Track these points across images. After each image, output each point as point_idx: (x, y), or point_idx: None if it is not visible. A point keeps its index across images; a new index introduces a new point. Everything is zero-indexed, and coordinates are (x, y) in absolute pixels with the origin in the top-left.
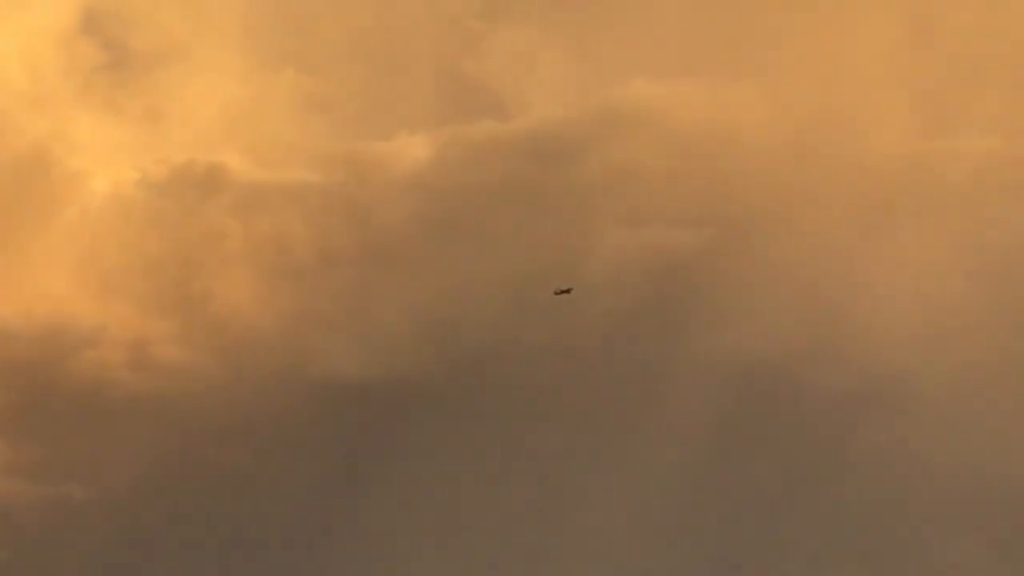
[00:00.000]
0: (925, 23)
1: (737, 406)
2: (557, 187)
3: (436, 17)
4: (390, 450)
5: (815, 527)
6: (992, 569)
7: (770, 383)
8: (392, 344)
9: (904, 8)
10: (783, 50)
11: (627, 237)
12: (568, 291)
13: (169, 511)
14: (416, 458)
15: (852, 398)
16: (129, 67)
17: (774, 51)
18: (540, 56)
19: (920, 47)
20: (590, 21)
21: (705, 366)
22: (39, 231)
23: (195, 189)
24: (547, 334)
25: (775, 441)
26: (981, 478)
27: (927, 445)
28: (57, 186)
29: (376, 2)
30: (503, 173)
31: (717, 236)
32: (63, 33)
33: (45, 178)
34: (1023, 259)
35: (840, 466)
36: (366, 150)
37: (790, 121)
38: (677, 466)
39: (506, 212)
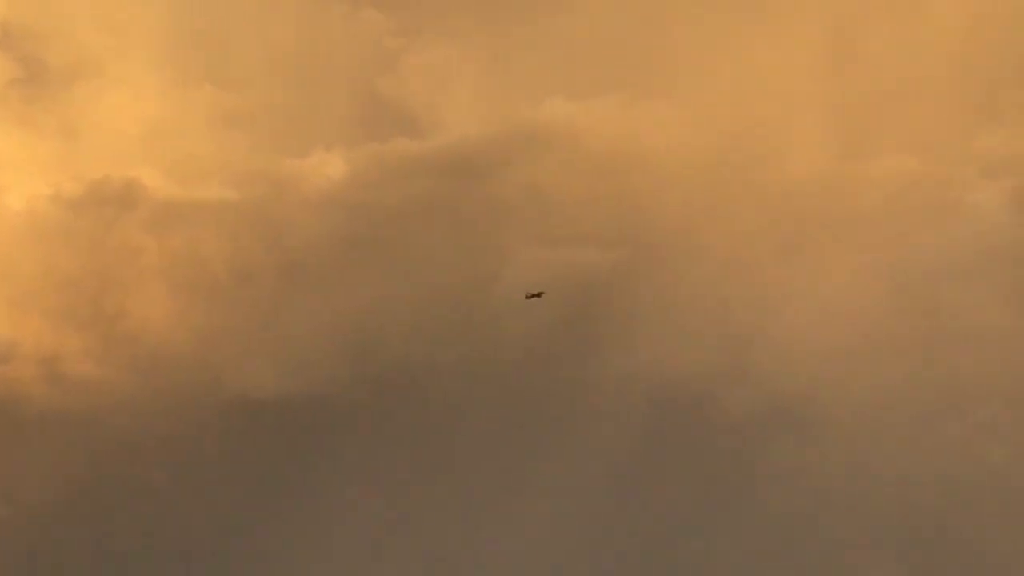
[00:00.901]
0: (842, 45)
1: (649, 425)
2: (472, 205)
3: (353, 35)
4: (304, 466)
5: (726, 545)
6: None
7: (682, 402)
8: (306, 360)
9: (821, 30)
10: (699, 71)
11: (541, 256)
12: (539, 295)
13: (82, 527)
14: (330, 474)
15: (763, 417)
16: (44, 82)
17: (690, 72)
18: (456, 75)
19: (837, 69)
20: (506, 41)
21: (618, 385)
22: None
23: (110, 205)
24: (461, 352)
25: (687, 460)
26: (889, 497)
27: (837, 464)
28: None
29: (294, 19)
30: (418, 191)
31: (631, 256)
32: None
33: None
34: (936, 281)
35: (751, 484)
36: (282, 167)
37: (706, 142)
38: (590, 484)
39: (421, 230)
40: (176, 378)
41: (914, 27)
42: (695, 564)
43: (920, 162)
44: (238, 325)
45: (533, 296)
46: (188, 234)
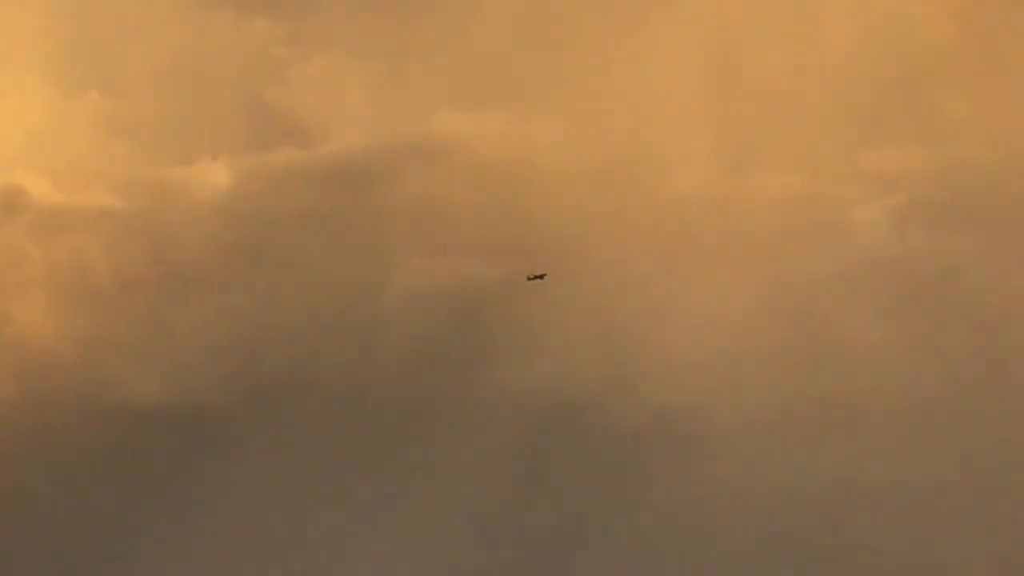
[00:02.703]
0: (728, 62)
1: (535, 439)
2: (359, 216)
3: (242, 43)
4: (186, 477)
5: (611, 557)
6: None
7: (568, 416)
8: (189, 369)
9: (707, 47)
10: (588, 85)
11: (427, 267)
12: (541, 277)
13: None
14: (213, 482)
15: (649, 430)
16: None
17: (579, 86)
18: (345, 85)
19: (723, 85)
20: (396, 51)
21: (503, 396)
22: None
23: None
24: (345, 361)
25: (573, 474)
26: (773, 511)
27: (721, 478)
28: None
29: (181, 26)
30: (305, 200)
31: (517, 269)
32: None
33: None
34: (820, 297)
35: (636, 496)
36: (168, 175)
37: (593, 155)
38: (474, 496)
39: (307, 239)
40: (58, 386)
41: (799, 44)
42: None
43: (805, 179)
44: (121, 333)
45: (535, 278)
46: (72, 241)
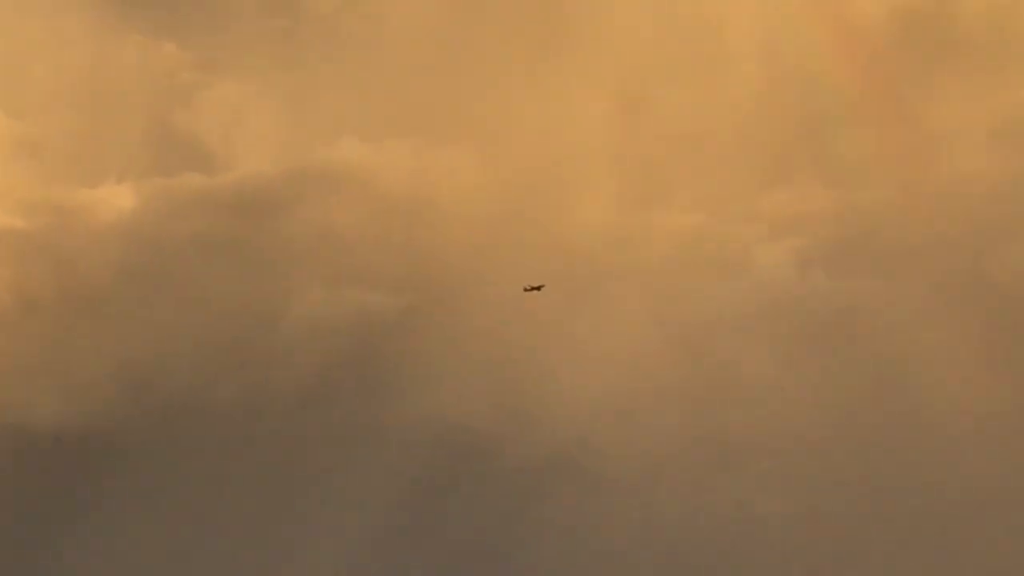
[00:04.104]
0: (634, 99)
1: (431, 472)
2: (260, 243)
3: (149, 67)
4: (83, 501)
5: None
6: None
7: (465, 449)
8: (88, 392)
9: (614, 84)
10: (493, 119)
11: (327, 297)
12: (539, 288)
13: None
14: (108, 506)
15: (545, 466)
16: None
17: (484, 119)
18: (251, 112)
19: (629, 122)
20: (302, 79)
21: (399, 431)
22: None
23: None
24: (243, 389)
25: (469, 507)
26: (671, 548)
27: (615, 514)
28: None
29: (89, 49)
30: (208, 226)
31: (417, 301)
32: None
33: None
34: (720, 335)
35: (532, 534)
36: (71, 197)
37: (496, 189)
38: (371, 530)
39: (209, 266)
40: None
41: (705, 85)
42: None
43: (707, 217)
44: (21, 356)
45: (532, 289)
46: None
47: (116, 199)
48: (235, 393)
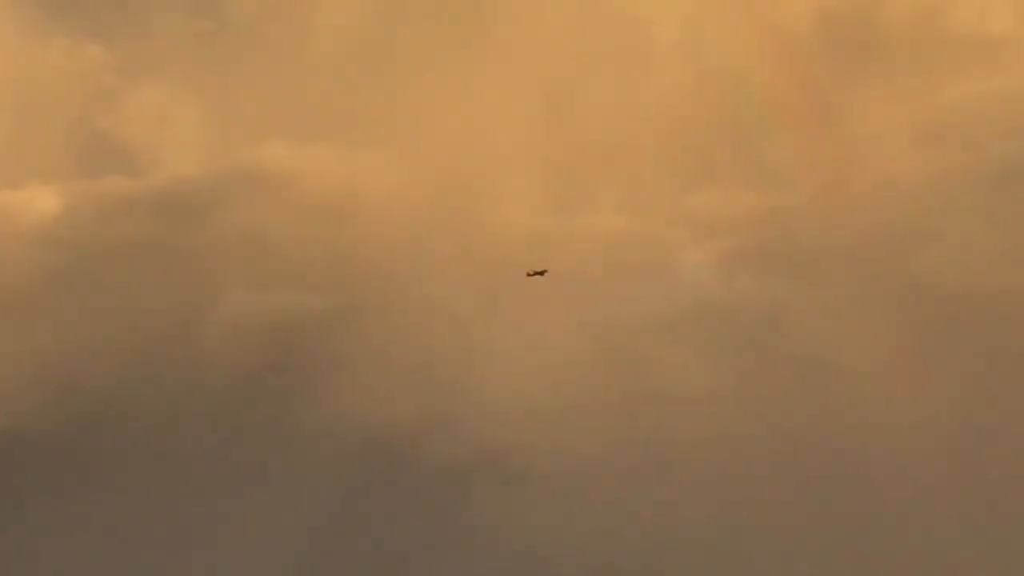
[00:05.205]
0: (558, 102)
1: (355, 473)
2: (185, 246)
3: (73, 70)
4: (4, 506)
5: None
6: None
7: (389, 451)
8: (11, 397)
9: (538, 86)
10: (418, 122)
11: (253, 298)
12: (542, 273)
13: None
14: (32, 515)
15: (469, 469)
16: None
17: (408, 122)
18: (175, 114)
19: (552, 125)
20: (228, 82)
21: (324, 430)
22: None
23: None
24: (167, 392)
25: (393, 509)
26: (595, 552)
27: (542, 518)
28: None
29: (13, 51)
30: (132, 229)
31: (341, 302)
32: None
33: None
34: (642, 338)
35: (457, 536)
36: None
37: (421, 191)
38: (293, 533)
39: (133, 268)
40: None
41: (629, 87)
42: None
43: (631, 220)
44: None
45: (535, 274)
46: None
47: (40, 201)
48: (160, 396)
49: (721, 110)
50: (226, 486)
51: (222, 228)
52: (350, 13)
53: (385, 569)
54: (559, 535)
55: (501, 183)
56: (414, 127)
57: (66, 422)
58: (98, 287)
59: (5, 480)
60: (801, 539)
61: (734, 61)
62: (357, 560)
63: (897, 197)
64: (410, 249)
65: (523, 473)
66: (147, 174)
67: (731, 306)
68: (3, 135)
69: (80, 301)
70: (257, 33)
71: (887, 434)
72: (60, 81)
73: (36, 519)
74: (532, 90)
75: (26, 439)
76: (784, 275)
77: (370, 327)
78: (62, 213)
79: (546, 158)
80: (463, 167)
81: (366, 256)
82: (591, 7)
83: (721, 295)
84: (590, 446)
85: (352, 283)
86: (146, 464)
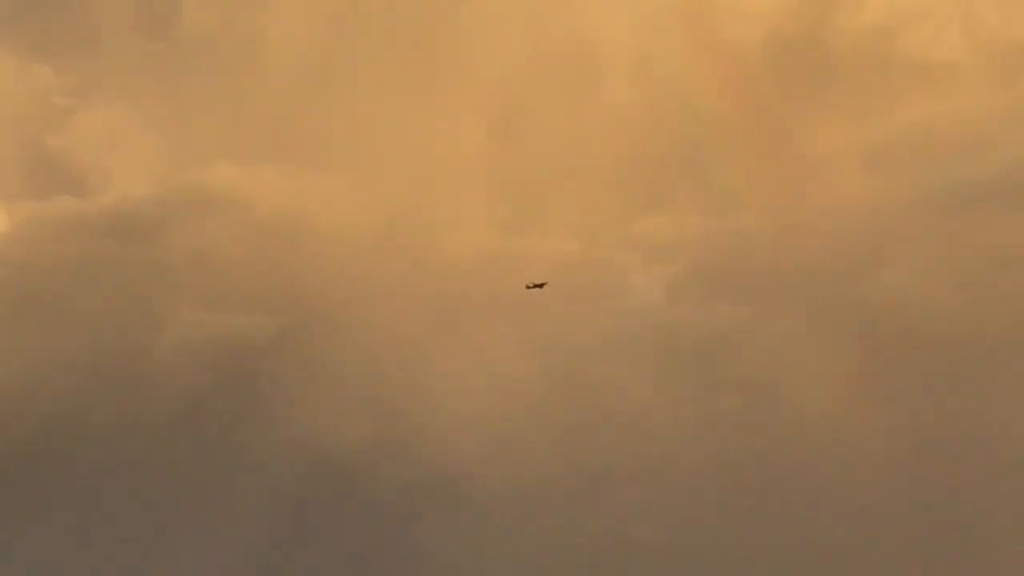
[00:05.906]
0: (509, 125)
1: (304, 494)
2: (134, 266)
3: (22, 90)
4: None
5: None
6: None
7: (337, 473)
8: None
9: (489, 109)
10: (368, 144)
11: (202, 320)
12: (541, 286)
13: None
14: None
15: (418, 491)
16: None
17: (359, 144)
18: (125, 135)
19: (503, 148)
20: (177, 103)
21: (271, 454)
22: None
23: None
24: (115, 414)
25: (341, 531)
26: (543, 574)
27: (489, 540)
28: None
29: None
30: (80, 250)
31: (291, 324)
32: None
33: None
34: (593, 361)
35: (404, 559)
36: None
37: (371, 214)
38: (241, 555)
39: (81, 289)
40: None
41: (580, 111)
42: None
43: (580, 244)
44: None
45: (535, 286)
46: None
47: None
48: (108, 417)
49: (672, 134)
50: (175, 506)
51: (172, 249)
52: (301, 36)
53: None
54: (507, 558)
55: (452, 206)
56: (365, 150)
57: (14, 442)
58: (46, 307)
59: None
60: (748, 560)
61: (685, 85)
62: None
63: (847, 221)
64: (360, 271)
65: (471, 496)
66: (96, 195)
67: (681, 329)
68: None
69: (28, 322)
70: (208, 54)
71: (835, 457)
72: (9, 101)
73: None
74: (483, 113)
75: None
76: (734, 299)
77: (320, 349)
78: (10, 234)
79: (497, 181)
80: (414, 190)
81: (316, 278)
82: (542, 31)
83: (671, 318)
84: (539, 469)
85: (302, 304)
86: (94, 483)
